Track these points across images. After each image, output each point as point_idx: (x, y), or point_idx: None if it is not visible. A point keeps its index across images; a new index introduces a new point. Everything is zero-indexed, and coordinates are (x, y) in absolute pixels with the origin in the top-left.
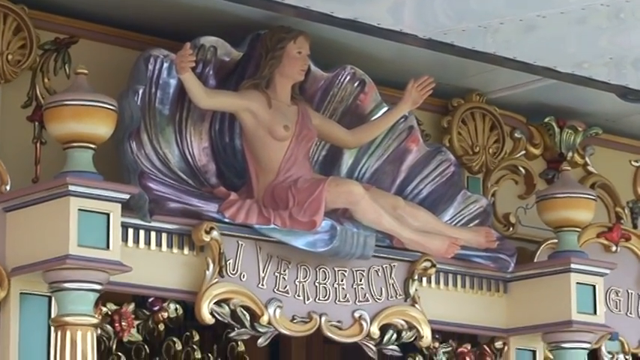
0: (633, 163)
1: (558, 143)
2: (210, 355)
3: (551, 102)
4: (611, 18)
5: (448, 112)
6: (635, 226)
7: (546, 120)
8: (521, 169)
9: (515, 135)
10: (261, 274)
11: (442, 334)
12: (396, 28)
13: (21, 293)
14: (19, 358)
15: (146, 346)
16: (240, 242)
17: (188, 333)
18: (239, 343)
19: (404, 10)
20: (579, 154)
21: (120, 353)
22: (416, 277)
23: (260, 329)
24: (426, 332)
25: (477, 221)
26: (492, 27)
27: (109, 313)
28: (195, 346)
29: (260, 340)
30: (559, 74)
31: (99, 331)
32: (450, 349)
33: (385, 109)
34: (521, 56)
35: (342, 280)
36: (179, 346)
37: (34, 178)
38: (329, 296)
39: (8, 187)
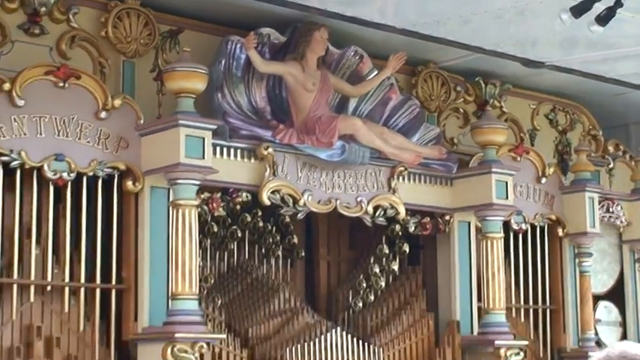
0: (531, 105)
1: (484, 94)
2: (268, 224)
3: (479, 68)
4: (517, 14)
5: (415, 75)
6: (532, 145)
7: (477, 79)
8: (461, 110)
9: (458, 89)
10: (299, 174)
11: (412, 212)
12: (382, 22)
13: (151, 187)
14: (150, 230)
15: (228, 219)
16: (285, 155)
17: (255, 210)
18: (286, 216)
19: (387, 10)
20: (497, 100)
21: (213, 223)
22: (395, 177)
23: (299, 208)
24: (402, 210)
25: (433, 142)
26: (442, 21)
27: (205, 198)
28: (259, 218)
29: (299, 215)
30: (485, 51)
31: (199, 210)
32: (416, 220)
33: (375, 72)
34: (461, 39)
35: (349, 178)
36: (249, 218)
37: (158, 115)
38: (341, 188)
39: (142, 121)
